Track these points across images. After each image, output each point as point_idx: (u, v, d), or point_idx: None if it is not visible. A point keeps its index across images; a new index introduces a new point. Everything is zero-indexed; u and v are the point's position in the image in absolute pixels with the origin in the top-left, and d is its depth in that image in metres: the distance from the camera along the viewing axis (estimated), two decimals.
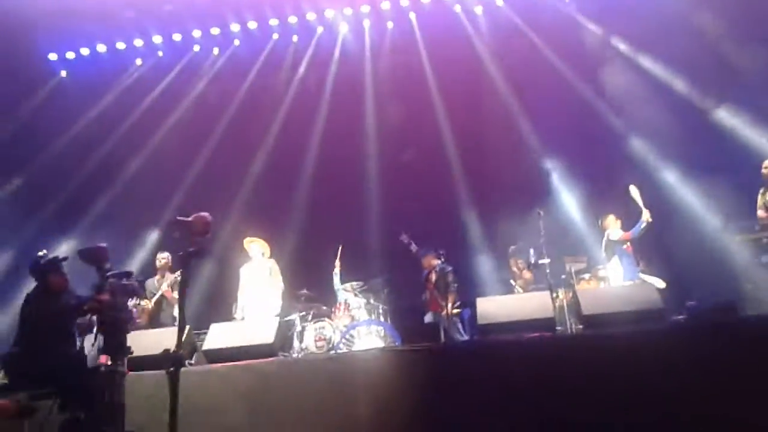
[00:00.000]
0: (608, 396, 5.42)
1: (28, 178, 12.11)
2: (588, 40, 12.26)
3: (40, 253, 6.14)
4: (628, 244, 9.01)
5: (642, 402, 5.35)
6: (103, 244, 5.42)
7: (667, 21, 11.03)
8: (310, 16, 12.80)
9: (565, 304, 9.04)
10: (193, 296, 9.67)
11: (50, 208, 12.23)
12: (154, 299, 8.85)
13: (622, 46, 12.04)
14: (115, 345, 5.06)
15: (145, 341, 7.02)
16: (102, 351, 5.09)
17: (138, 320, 8.97)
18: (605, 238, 9.23)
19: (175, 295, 8.93)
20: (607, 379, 5.52)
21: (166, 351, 3.74)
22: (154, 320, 8.77)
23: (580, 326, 7.30)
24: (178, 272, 9.04)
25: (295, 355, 8.47)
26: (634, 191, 9.07)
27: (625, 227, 9.09)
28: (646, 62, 11.71)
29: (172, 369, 3.65)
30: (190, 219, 4.15)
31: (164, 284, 8.91)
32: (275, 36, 13.08)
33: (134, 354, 6.66)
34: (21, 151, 12.10)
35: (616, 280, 8.98)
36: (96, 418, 4.95)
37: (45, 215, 12.13)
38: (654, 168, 11.26)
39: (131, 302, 9.14)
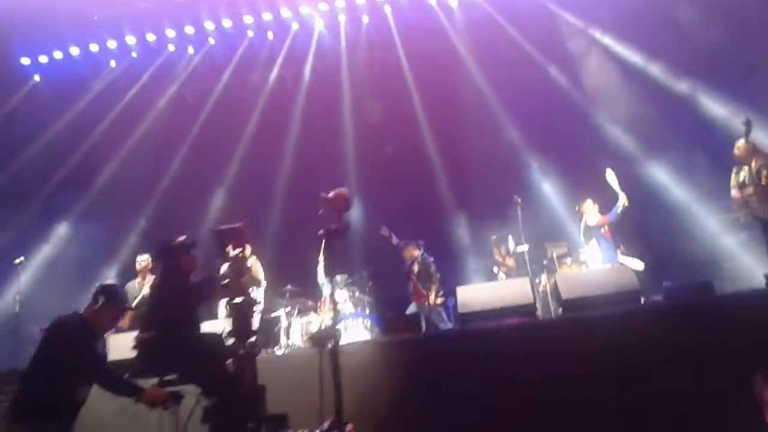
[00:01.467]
0: (588, 377, 5.50)
1: (5, 181, 11.95)
2: (562, 30, 12.34)
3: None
4: (606, 227, 9.08)
5: (620, 381, 5.44)
6: (239, 225, 5.40)
7: (641, 8, 11.14)
8: (285, 13, 12.74)
9: (548, 290, 9.13)
10: None
11: (29, 210, 12.10)
12: (135, 302, 8.81)
13: (596, 35, 12.12)
14: (245, 328, 5.10)
15: (127, 344, 7.06)
16: (230, 334, 5.11)
17: (119, 324, 8.96)
18: (583, 223, 9.30)
19: None
20: (585, 361, 5.61)
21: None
22: (135, 323, 8.72)
23: (560, 310, 7.37)
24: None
25: (281, 351, 8.47)
26: (610, 175, 9.14)
27: (604, 211, 9.16)
28: (620, 49, 11.81)
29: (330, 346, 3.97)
30: (331, 195, 4.17)
31: (146, 287, 8.87)
32: (250, 34, 13.02)
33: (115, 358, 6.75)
34: None
35: (595, 264, 9.06)
36: (239, 402, 4.94)
37: (23, 218, 12.00)
38: (631, 152, 11.37)
39: None
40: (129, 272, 9.60)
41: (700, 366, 5.33)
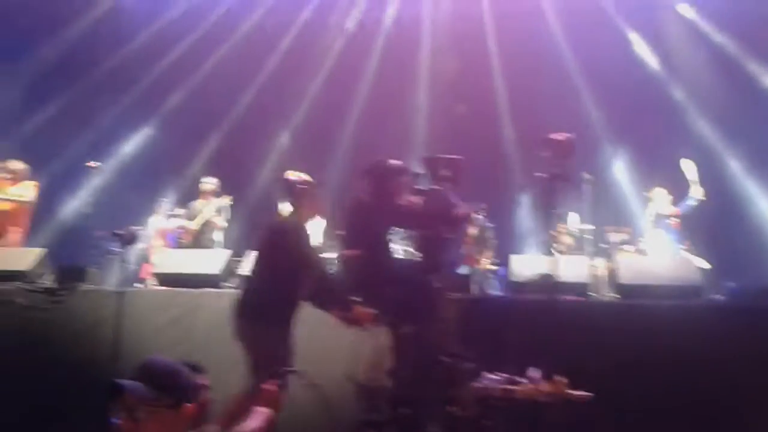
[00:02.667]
0: (637, 366, 5.43)
1: (84, 90, 12.24)
2: (654, 5, 11.84)
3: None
4: (676, 219, 8.82)
5: (671, 375, 5.36)
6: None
7: None
8: None
9: (602, 273, 8.96)
10: (234, 223, 9.81)
11: (105, 120, 12.40)
12: (199, 221, 9.05)
13: (690, 13, 11.59)
14: (437, 260, 5.04)
15: (187, 260, 7.30)
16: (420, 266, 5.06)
17: (181, 240, 9.26)
18: (652, 210, 9.05)
19: (221, 221, 9.13)
20: (637, 349, 5.52)
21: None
22: (197, 242, 8.99)
23: (616, 296, 7.24)
24: (226, 198, 9.23)
25: None
26: (688, 166, 8.82)
27: (675, 202, 8.89)
28: (716, 36, 11.27)
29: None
30: (560, 138, 4.16)
31: (210, 208, 9.08)
32: None
33: (177, 271, 6.99)
34: (78, 64, 12.26)
35: (657, 255, 8.83)
36: (433, 335, 4.90)
37: (99, 126, 12.35)
38: (712, 146, 10.94)
39: (174, 223, 9.43)
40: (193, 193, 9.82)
41: (757, 370, 5.21)
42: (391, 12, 12.94)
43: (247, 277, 5.13)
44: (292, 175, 5.40)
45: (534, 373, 4.31)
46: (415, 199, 5.20)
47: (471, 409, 4.65)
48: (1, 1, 11.14)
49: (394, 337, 4.89)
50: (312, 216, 5.25)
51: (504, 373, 4.59)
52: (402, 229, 5.41)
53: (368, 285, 5.01)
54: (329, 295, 4.96)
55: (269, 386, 3.12)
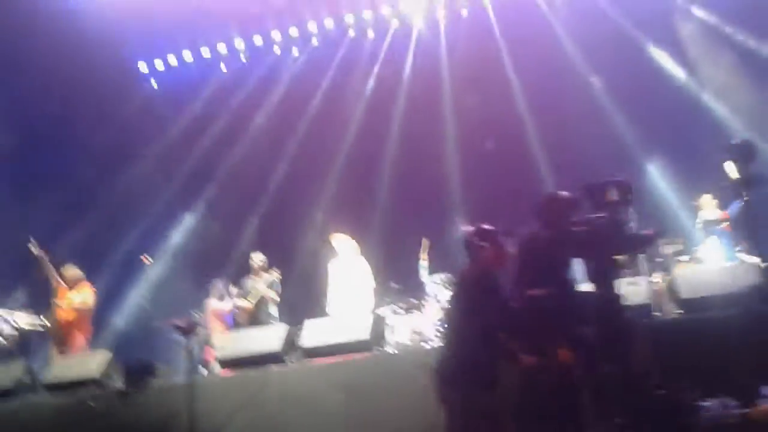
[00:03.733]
0: (708, 380, 5.27)
1: (124, 186, 12.71)
2: (672, 11, 11.79)
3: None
4: (727, 223, 8.64)
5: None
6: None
7: None
8: (385, 11, 12.93)
9: (662, 288, 8.78)
10: (284, 293, 9.93)
11: (152, 210, 12.82)
12: (253, 299, 9.18)
13: (709, 17, 11.51)
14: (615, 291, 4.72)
15: (247, 340, 7.40)
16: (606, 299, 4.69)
17: (238, 319, 9.40)
18: (701, 219, 8.90)
19: (273, 295, 9.25)
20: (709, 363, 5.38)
21: None
22: (254, 318, 9.11)
23: (680, 311, 7.07)
24: (275, 272, 9.37)
25: (390, 350, 8.58)
26: (729, 167, 8.67)
27: (722, 206, 8.73)
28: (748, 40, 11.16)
29: None
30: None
31: (262, 284, 9.23)
32: (351, 33, 13.25)
33: (239, 354, 7.08)
34: (113, 160, 12.74)
35: (714, 262, 8.64)
36: (635, 376, 4.61)
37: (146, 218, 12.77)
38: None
39: (229, 304, 9.57)
40: (242, 269, 9.98)
41: None
42: (408, 64, 13.17)
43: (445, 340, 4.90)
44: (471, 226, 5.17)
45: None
46: (591, 228, 4.93)
47: None
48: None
49: (597, 379, 4.59)
50: (499, 266, 4.90)
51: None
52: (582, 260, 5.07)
53: (561, 324, 4.72)
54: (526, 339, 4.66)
55: None
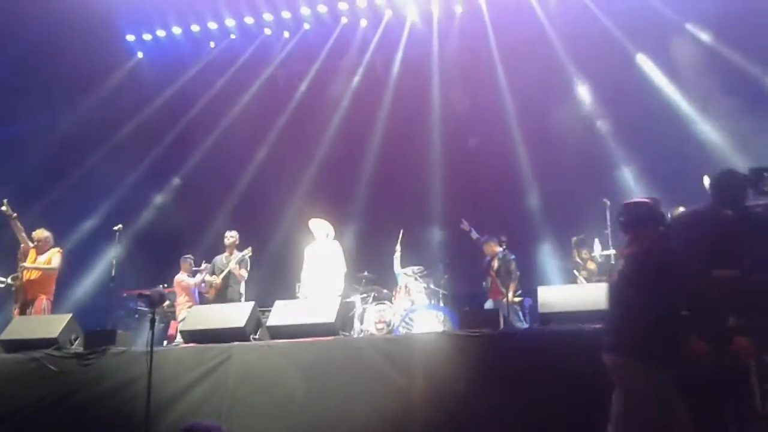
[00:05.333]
0: None
1: (109, 153, 12.60)
2: (660, 23, 11.87)
3: None
4: None
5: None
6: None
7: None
8: (380, 1, 12.87)
9: None
10: (257, 274, 9.90)
11: (128, 181, 12.74)
12: (221, 275, 9.13)
13: (696, 31, 11.61)
14: None
15: (212, 315, 7.34)
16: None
17: (206, 295, 9.34)
18: None
19: (242, 272, 9.19)
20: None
21: None
22: (221, 295, 9.05)
23: None
24: (246, 250, 9.32)
25: (355, 336, 8.58)
26: (708, 181, 8.74)
27: None
28: (720, 47, 11.26)
29: None
30: None
31: (232, 261, 9.17)
32: (344, 20, 13.18)
33: (203, 327, 7.03)
34: (101, 128, 12.63)
35: None
36: None
37: (123, 188, 12.66)
38: (727, 156, 10.84)
39: (198, 279, 9.53)
40: (217, 247, 9.93)
41: None
42: (399, 54, 13.15)
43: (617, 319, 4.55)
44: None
45: None
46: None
47: None
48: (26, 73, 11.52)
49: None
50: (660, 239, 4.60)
51: None
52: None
53: (748, 311, 4.40)
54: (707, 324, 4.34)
55: None
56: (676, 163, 10.59)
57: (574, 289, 8.16)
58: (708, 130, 11.15)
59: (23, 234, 8.51)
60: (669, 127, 11.20)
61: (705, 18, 11.37)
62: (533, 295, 8.23)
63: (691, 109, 11.36)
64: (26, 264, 8.37)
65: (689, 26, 11.63)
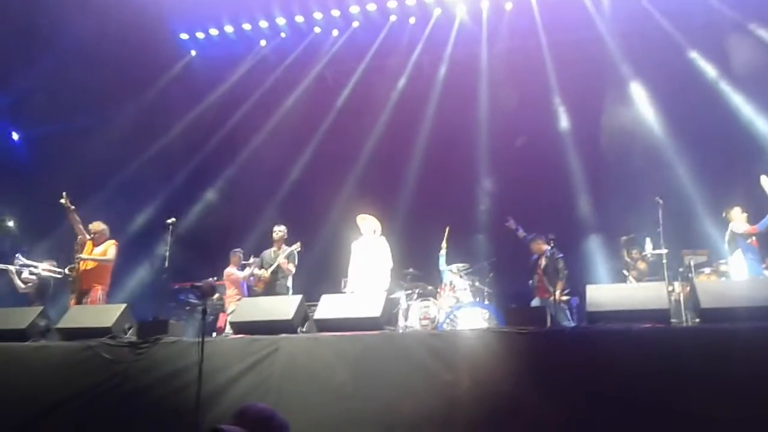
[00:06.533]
0: (720, 392, 5.20)
1: (161, 149, 12.92)
2: (716, 21, 11.56)
3: None
4: (754, 238, 8.49)
5: (757, 401, 5.09)
6: None
7: None
8: None
9: (681, 298, 8.68)
10: (304, 269, 10.01)
11: (180, 177, 13.07)
12: (270, 269, 9.26)
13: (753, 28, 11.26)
14: None
15: (261, 308, 7.46)
16: None
17: (254, 288, 9.49)
18: (729, 231, 8.74)
19: (290, 267, 9.30)
20: (721, 376, 5.29)
21: None
22: (269, 289, 9.18)
23: (697, 320, 6.97)
24: (295, 245, 9.43)
25: (399, 331, 8.61)
26: (765, 182, 8.52)
27: (752, 221, 8.57)
28: None
29: None
30: None
31: (281, 256, 9.28)
32: (393, 18, 13.22)
33: (251, 319, 7.15)
34: (155, 124, 12.97)
35: (738, 276, 8.50)
36: None
37: (175, 183, 12.97)
38: None
39: (246, 273, 9.69)
40: (265, 242, 10.06)
41: None
42: (447, 53, 13.12)
43: None
44: None
45: None
46: None
47: None
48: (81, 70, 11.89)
49: None
50: None
51: None
52: None
53: None
54: None
55: None
56: (731, 162, 10.33)
57: (624, 288, 8.04)
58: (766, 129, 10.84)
59: (80, 226, 8.79)
60: (724, 126, 10.91)
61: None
62: (580, 294, 8.15)
63: (749, 109, 11.03)
64: (83, 255, 8.65)
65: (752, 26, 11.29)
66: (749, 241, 8.51)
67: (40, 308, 7.62)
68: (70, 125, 12.39)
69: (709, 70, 11.46)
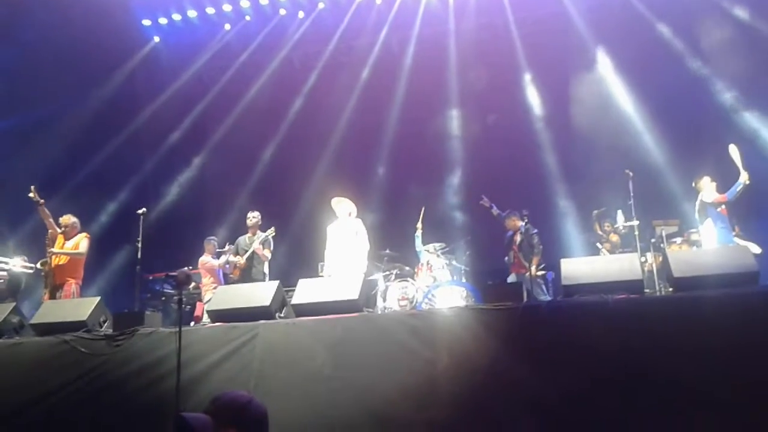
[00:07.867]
0: (695, 358, 5.30)
1: (129, 138, 12.71)
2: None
3: None
4: (723, 207, 8.64)
5: (730, 365, 5.20)
6: None
7: None
8: None
9: (654, 268, 8.82)
10: (280, 254, 9.97)
11: (149, 166, 12.88)
12: (245, 256, 9.19)
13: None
14: None
15: (238, 295, 7.42)
16: None
17: (231, 275, 9.42)
18: (699, 200, 8.88)
19: (266, 252, 9.24)
20: (695, 342, 5.39)
21: None
22: (245, 276, 9.12)
23: (670, 289, 7.09)
24: (270, 230, 9.37)
25: (378, 312, 8.63)
26: (733, 151, 8.66)
27: (722, 190, 8.71)
28: (742, 12, 11.02)
29: None
30: None
31: (255, 242, 9.22)
32: None
33: (229, 307, 7.11)
34: (121, 113, 12.74)
35: (709, 244, 8.65)
36: None
37: (144, 172, 12.79)
38: (753, 128, 10.67)
39: (222, 260, 9.63)
40: (239, 229, 9.99)
41: None
42: (415, 32, 13.06)
43: None
44: None
45: None
46: None
47: None
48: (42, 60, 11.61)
49: None
50: None
51: None
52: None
53: None
54: None
55: None
56: (700, 132, 10.48)
57: (597, 260, 8.10)
58: (727, 98, 10.99)
59: (51, 220, 8.63)
60: (693, 96, 11.04)
61: None
62: (556, 269, 8.23)
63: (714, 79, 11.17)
64: (54, 249, 8.50)
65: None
66: (719, 209, 8.64)
67: (13, 305, 7.48)
68: (33, 116, 12.09)
69: (677, 43, 11.54)
